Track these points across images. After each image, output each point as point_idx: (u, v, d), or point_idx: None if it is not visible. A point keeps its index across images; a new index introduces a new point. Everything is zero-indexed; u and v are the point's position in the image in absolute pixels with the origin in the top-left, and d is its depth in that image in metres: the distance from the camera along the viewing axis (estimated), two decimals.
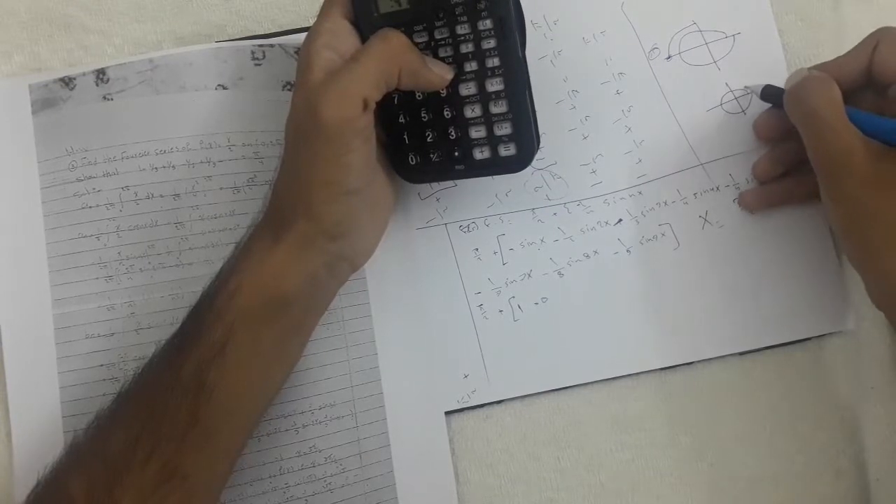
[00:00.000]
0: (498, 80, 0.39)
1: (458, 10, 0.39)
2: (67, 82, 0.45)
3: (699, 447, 0.47)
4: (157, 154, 0.44)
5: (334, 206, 0.38)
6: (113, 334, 0.43)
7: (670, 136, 0.48)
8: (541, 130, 0.41)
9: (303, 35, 0.39)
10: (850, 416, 0.47)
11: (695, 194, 0.48)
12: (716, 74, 0.48)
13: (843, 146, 0.39)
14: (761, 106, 0.48)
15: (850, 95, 0.42)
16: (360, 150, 0.37)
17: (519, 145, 0.40)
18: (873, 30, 0.43)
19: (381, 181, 0.42)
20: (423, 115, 0.41)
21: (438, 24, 0.39)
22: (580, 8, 0.49)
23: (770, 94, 0.46)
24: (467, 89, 0.40)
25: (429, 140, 0.42)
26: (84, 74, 0.45)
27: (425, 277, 0.47)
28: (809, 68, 0.44)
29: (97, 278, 0.44)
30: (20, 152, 0.45)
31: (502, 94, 0.39)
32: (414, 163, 0.42)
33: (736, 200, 0.48)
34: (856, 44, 0.44)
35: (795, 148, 0.43)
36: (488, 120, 0.40)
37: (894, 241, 0.39)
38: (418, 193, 0.48)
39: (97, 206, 0.44)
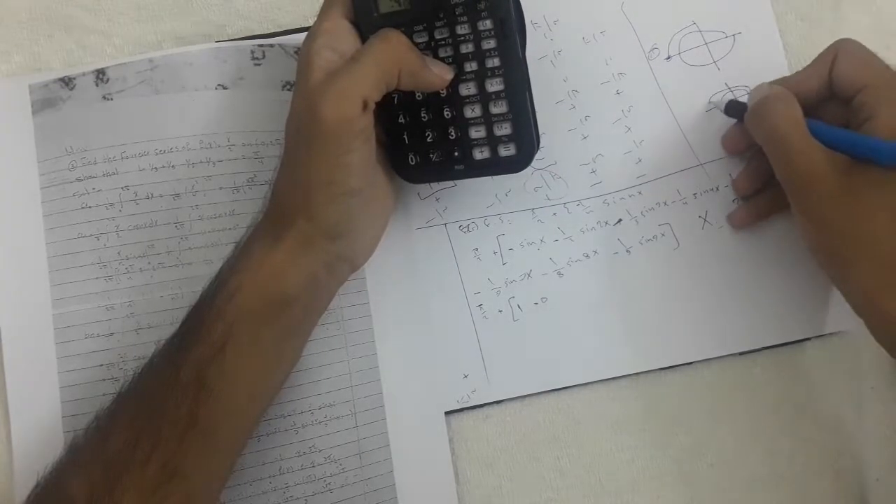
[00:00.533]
0: (498, 80, 0.39)
1: (459, 11, 0.39)
2: (67, 82, 0.45)
3: (699, 447, 0.47)
4: (156, 154, 0.44)
5: (334, 207, 0.38)
6: (113, 334, 0.43)
7: (670, 136, 0.48)
8: (541, 130, 0.41)
9: (303, 35, 0.39)
10: (850, 416, 0.47)
11: (694, 194, 0.48)
12: (716, 74, 0.48)
13: (806, 163, 0.39)
14: None
15: (812, 109, 0.42)
16: (360, 151, 0.37)
17: (519, 145, 0.40)
18: (872, 29, 0.43)
19: (380, 181, 0.42)
20: (422, 115, 0.41)
21: (438, 24, 0.39)
22: (580, 8, 0.49)
23: (734, 109, 0.46)
24: (467, 89, 0.40)
25: (429, 140, 0.42)
26: (84, 74, 0.45)
27: (425, 277, 0.47)
28: (770, 83, 0.44)
29: (97, 278, 0.44)
30: (20, 152, 0.45)
31: (502, 95, 0.39)
32: (414, 163, 0.42)
33: (727, 216, 0.47)
34: None
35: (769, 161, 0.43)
36: (488, 120, 0.40)
37: (862, 254, 0.39)
38: (418, 193, 0.48)
39: (97, 205, 0.44)
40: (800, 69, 0.45)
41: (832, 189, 0.39)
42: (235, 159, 0.45)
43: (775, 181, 0.43)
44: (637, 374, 0.47)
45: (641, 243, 0.48)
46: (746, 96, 0.47)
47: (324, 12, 0.39)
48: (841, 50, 0.42)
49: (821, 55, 0.43)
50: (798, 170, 0.40)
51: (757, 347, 0.47)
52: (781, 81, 0.44)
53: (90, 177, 0.44)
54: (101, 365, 0.43)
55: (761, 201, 0.47)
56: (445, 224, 0.47)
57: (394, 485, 0.45)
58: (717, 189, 0.48)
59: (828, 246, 0.41)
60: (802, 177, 0.40)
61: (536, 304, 0.47)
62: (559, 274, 0.47)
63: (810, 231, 0.41)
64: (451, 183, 0.48)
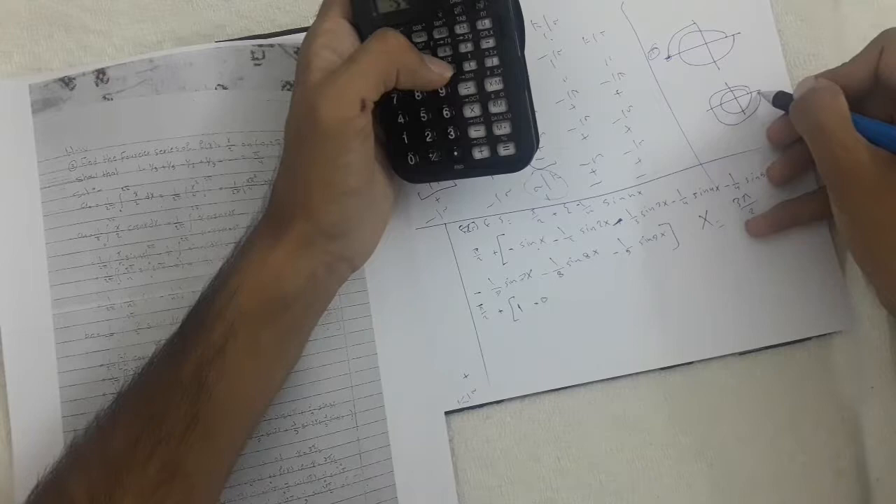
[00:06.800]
0: (497, 79, 0.39)
1: (457, 10, 0.39)
2: (67, 82, 0.45)
3: (699, 447, 0.46)
4: (156, 154, 0.44)
5: (333, 207, 0.38)
6: (113, 334, 0.43)
7: (670, 136, 0.48)
8: (541, 130, 0.41)
9: (303, 35, 0.39)
10: (850, 416, 0.47)
11: (694, 194, 0.48)
12: (716, 74, 0.48)
13: (849, 157, 0.39)
14: (763, 107, 0.48)
15: (858, 102, 0.42)
16: (359, 151, 0.37)
17: (518, 145, 0.40)
18: (872, 29, 0.43)
19: (380, 181, 0.42)
20: (422, 114, 0.41)
21: (437, 23, 0.39)
22: (580, 8, 0.49)
23: (782, 100, 0.46)
24: (466, 89, 0.40)
25: (428, 140, 0.42)
26: (84, 74, 0.45)
27: (425, 277, 0.47)
28: (816, 76, 0.44)
29: (97, 278, 0.44)
30: (20, 152, 0.45)
31: (501, 94, 0.39)
32: (413, 162, 0.42)
33: (746, 223, 0.47)
34: (855, 43, 0.44)
35: (808, 149, 0.43)
36: (487, 119, 0.40)
37: None
38: (418, 193, 0.48)
39: (97, 206, 0.44)
40: (792, 66, 0.44)
41: (873, 184, 0.39)
42: (235, 159, 0.45)
43: (805, 195, 0.44)
44: (637, 373, 0.47)
45: (641, 243, 0.48)
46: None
47: (323, 12, 0.39)
48: (888, 43, 0.42)
49: (867, 48, 0.43)
50: (840, 164, 0.40)
51: (757, 347, 0.47)
52: (827, 74, 0.44)
53: (90, 177, 0.44)
54: (101, 365, 0.43)
55: (783, 212, 0.47)
56: (445, 224, 0.47)
57: (394, 485, 0.45)
58: (717, 189, 0.48)
59: (866, 241, 0.41)
60: (844, 171, 0.40)
61: (536, 304, 0.47)
62: (559, 274, 0.47)
63: (849, 225, 0.41)
64: (451, 183, 0.48)
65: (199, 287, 0.39)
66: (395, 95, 0.41)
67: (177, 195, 0.44)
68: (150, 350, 0.39)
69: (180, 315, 0.39)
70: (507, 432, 0.46)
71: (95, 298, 0.44)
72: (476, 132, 0.40)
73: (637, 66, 0.49)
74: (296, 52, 0.46)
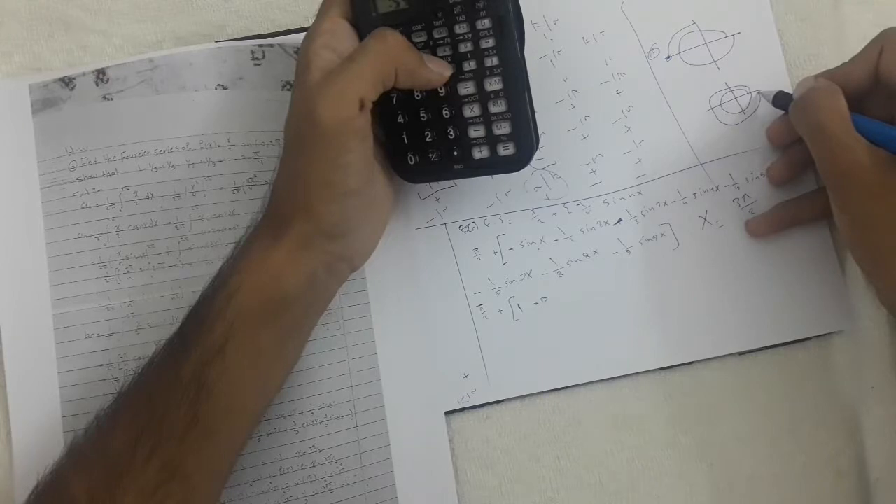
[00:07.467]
0: (497, 79, 0.39)
1: (457, 10, 0.39)
2: (67, 82, 0.45)
3: (699, 447, 0.46)
4: (156, 154, 0.44)
5: (333, 207, 0.38)
6: (113, 334, 0.43)
7: (670, 136, 0.48)
8: (540, 130, 0.41)
9: (303, 35, 0.39)
10: (850, 416, 0.47)
11: (694, 194, 0.48)
12: (716, 74, 0.48)
13: (849, 158, 0.39)
14: (763, 107, 0.48)
15: (858, 102, 0.42)
16: (358, 151, 0.37)
17: (518, 145, 0.40)
18: (873, 29, 0.43)
19: (380, 181, 0.42)
20: (421, 114, 0.41)
21: (437, 23, 0.39)
22: (580, 8, 0.49)
23: (782, 100, 0.46)
24: (466, 88, 0.40)
25: (428, 140, 0.42)
26: (84, 74, 0.45)
27: (425, 277, 0.47)
28: (816, 76, 0.44)
29: (97, 278, 0.44)
30: (20, 152, 0.45)
31: (501, 94, 0.39)
32: (413, 162, 0.42)
33: (746, 223, 0.47)
34: (855, 43, 0.44)
35: (808, 149, 0.43)
36: (487, 119, 0.40)
37: None
38: (418, 193, 0.48)
39: (97, 206, 0.44)
40: (792, 66, 0.44)
41: (873, 184, 0.39)
42: (235, 159, 0.45)
43: (804, 195, 0.44)
44: (637, 373, 0.47)
45: (641, 243, 0.48)
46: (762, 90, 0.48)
47: (322, 13, 0.39)
48: (887, 42, 0.42)
49: (866, 47, 0.43)
50: (840, 164, 0.40)
51: (757, 347, 0.47)
52: (827, 74, 0.44)
53: (90, 177, 0.44)
54: (101, 365, 0.43)
55: (784, 213, 0.47)
56: (445, 224, 0.47)
57: (394, 485, 0.45)
58: (717, 189, 0.48)
59: (866, 241, 0.41)
60: (844, 171, 0.40)
61: (536, 304, 0.47)
62: (559, 274, 0.47)
63: (849, 225, 0.41)
64: (451, 183, 0.48)
65: (198, 287, 0.39)
66: (395, 95, 0.41)
67: (177, 195, 0.44)
68: (150, 350, 0.39)
69: (180, 315, 0.39)
70: (507, 432, 0.46)
71: (95, 298, 0.44)
72: (476, 132, 0.40)
73: (637, 66, 0.49)
74: (296, 52, 0.46)
